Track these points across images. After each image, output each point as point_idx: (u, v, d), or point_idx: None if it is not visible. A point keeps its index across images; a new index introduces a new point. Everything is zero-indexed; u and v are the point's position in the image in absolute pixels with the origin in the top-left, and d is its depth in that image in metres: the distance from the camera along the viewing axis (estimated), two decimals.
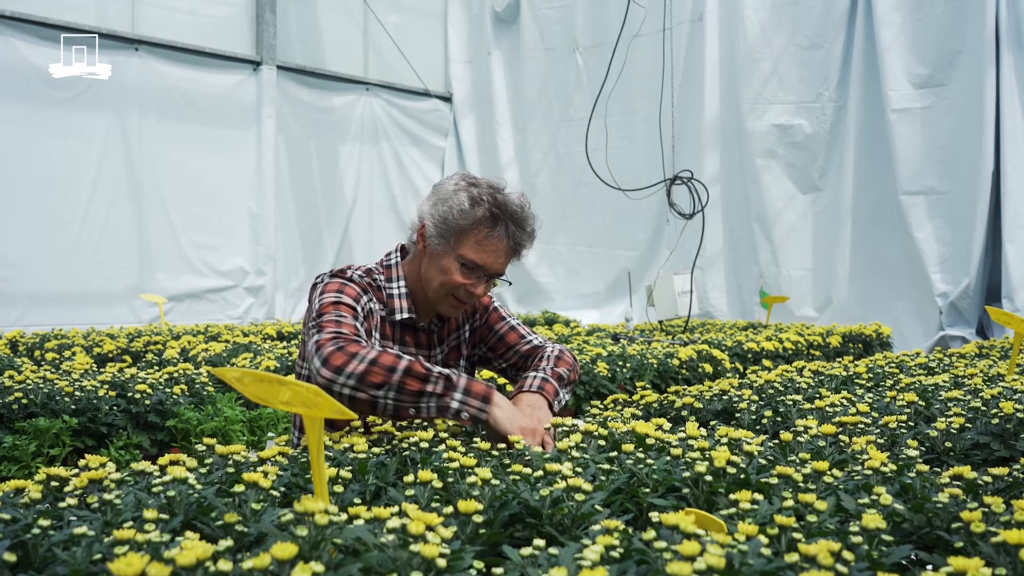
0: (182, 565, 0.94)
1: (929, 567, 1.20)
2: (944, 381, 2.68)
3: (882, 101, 7.40)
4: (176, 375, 3.85)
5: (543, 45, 9.99)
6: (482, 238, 2.13)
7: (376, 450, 1.71)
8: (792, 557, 1.01)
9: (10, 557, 1.08)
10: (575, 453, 1.66)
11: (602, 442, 1.80)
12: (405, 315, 2.22)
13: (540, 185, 10.03)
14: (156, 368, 4.25)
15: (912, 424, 2.13)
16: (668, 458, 1.57)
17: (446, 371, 1.95)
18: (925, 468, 1.54)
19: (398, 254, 2.29)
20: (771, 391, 2.74)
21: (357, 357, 1.87)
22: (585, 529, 1.29)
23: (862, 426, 1.99)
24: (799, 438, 1.80)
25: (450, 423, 1.95)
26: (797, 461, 1.60)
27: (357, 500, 1.41)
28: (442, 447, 1.70)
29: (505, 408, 1.94)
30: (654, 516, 1.19)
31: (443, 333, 2.35)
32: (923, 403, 2.28)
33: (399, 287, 2.23)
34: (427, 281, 2.20)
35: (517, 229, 2.17)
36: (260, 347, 5.02)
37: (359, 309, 2.11)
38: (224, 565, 0.95)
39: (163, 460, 1.55)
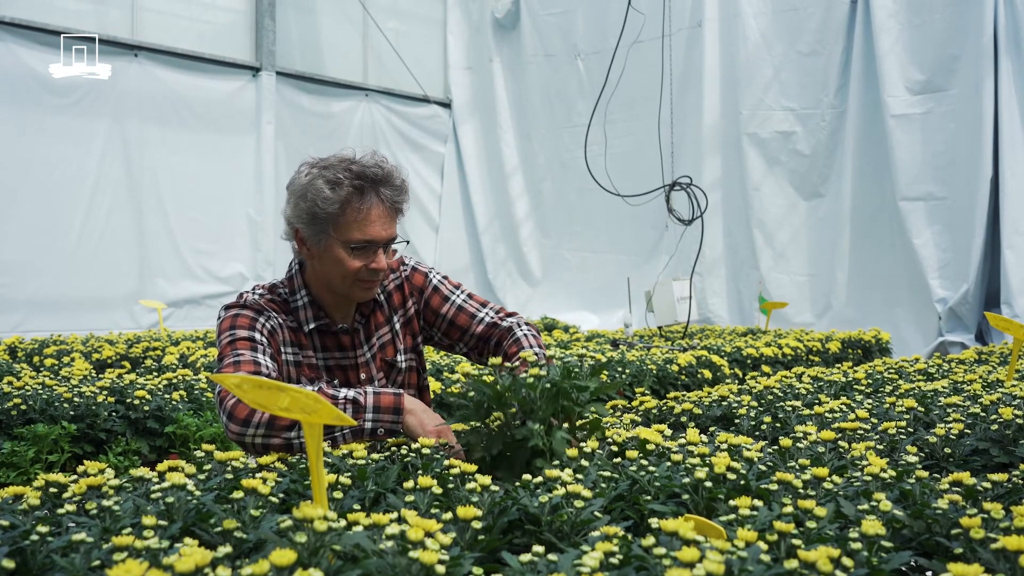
0: (181, 572, 0.94)
1: (929, 573, 1.20)
2: (943, 387, 2.69)
3: (881, 107, 7.39)
4: (175, 381, 3.84)
5: (544, 51, 9.99)
6: (358, 215, 2.03)
7: (376, 456, 1.71)
8: (791, 563, 1.01)
9: (9, 564, 1.08)
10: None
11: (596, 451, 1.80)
12: (313, 324, 2.15)
13: (545, 191, 10.04)
14: (155, 374, 4.24)
15: (911, 430, 2.13)
16: (668, 464, 1.57)
17: (352, 393, 1.92)
18: (924, 474, 1.53)
19: (297, 264, 2.22)
20: (770, 397, 2.74)
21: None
22: (584, 535, 1.29)
23: (861, 432, 2.00)
24: (798, 444, 1.80)
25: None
26: (796, 467, 1.60)
27: (356, 506, 1.40)
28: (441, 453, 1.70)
29: (417, 412, 1.93)
30: (654, 522, 1.19)
31: (369, 330, 2.24)
32: (922, 409, 2.28)
33: (302, 297, 2.16)
34: (327, 280, 2.12)
35: (386, 188, 2.07)
36: None
37: (257, 334, 2.04)
38: (223, 571, 0.95)
39: (162, 466, 1.55)
